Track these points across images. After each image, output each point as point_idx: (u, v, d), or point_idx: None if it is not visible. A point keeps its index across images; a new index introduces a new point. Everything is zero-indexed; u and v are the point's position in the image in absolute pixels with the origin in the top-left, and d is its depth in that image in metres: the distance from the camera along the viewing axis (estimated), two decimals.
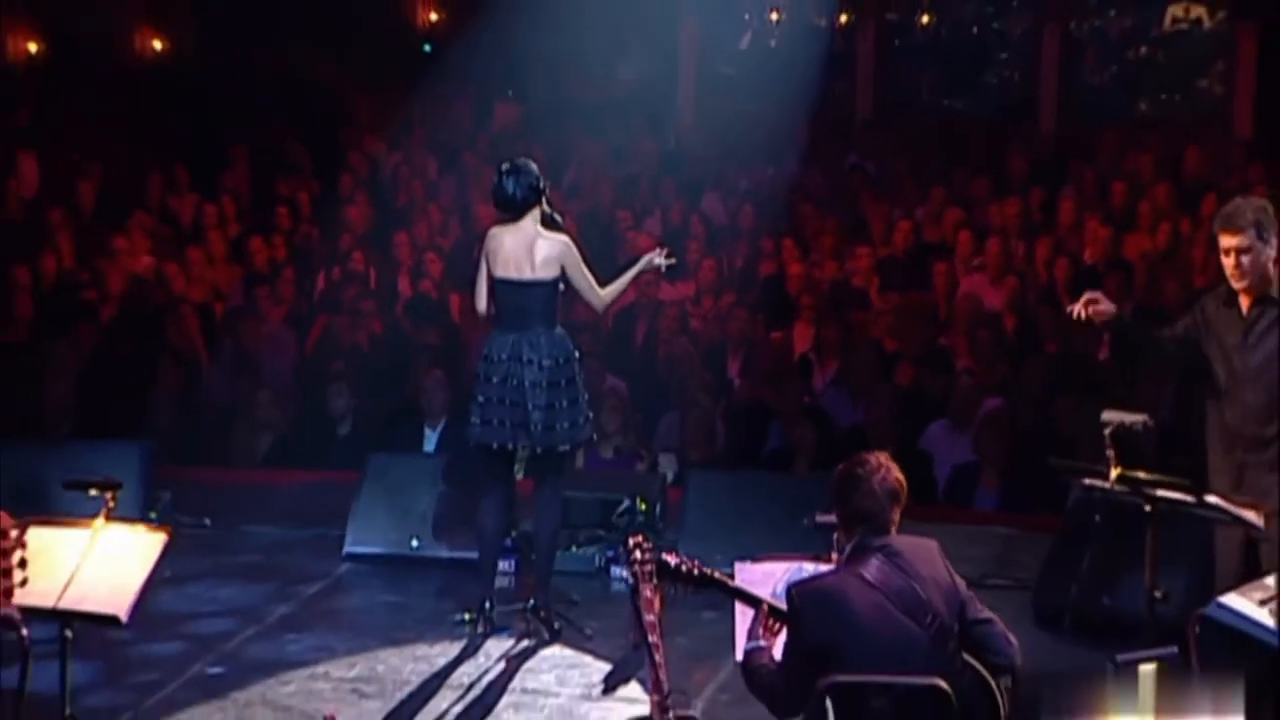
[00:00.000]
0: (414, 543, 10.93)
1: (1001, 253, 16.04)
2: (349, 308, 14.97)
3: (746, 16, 24.04)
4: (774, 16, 23.85)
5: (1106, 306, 8.98)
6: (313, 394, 13.80)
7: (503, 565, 10.12)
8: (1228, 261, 8.67)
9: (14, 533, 6.35)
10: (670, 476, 12.12)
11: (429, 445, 12.63)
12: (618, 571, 10.57)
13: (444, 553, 10.86)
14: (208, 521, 10.05)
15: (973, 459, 11.44)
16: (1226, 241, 8.64)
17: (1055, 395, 12.54)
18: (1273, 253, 8.63)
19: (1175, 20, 24.58)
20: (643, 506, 10.78)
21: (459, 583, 9.72)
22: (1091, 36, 24.86)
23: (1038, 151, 20.85)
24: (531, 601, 9.36)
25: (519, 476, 10.17)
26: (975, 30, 25.94)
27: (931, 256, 16.21)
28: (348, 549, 11.06)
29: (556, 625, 9.22)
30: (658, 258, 10.03)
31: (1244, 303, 8.69)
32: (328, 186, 18.49)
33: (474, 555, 10.02)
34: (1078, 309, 8.97)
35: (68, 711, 7.35)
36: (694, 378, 13.69)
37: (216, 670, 9.13)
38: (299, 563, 11.06)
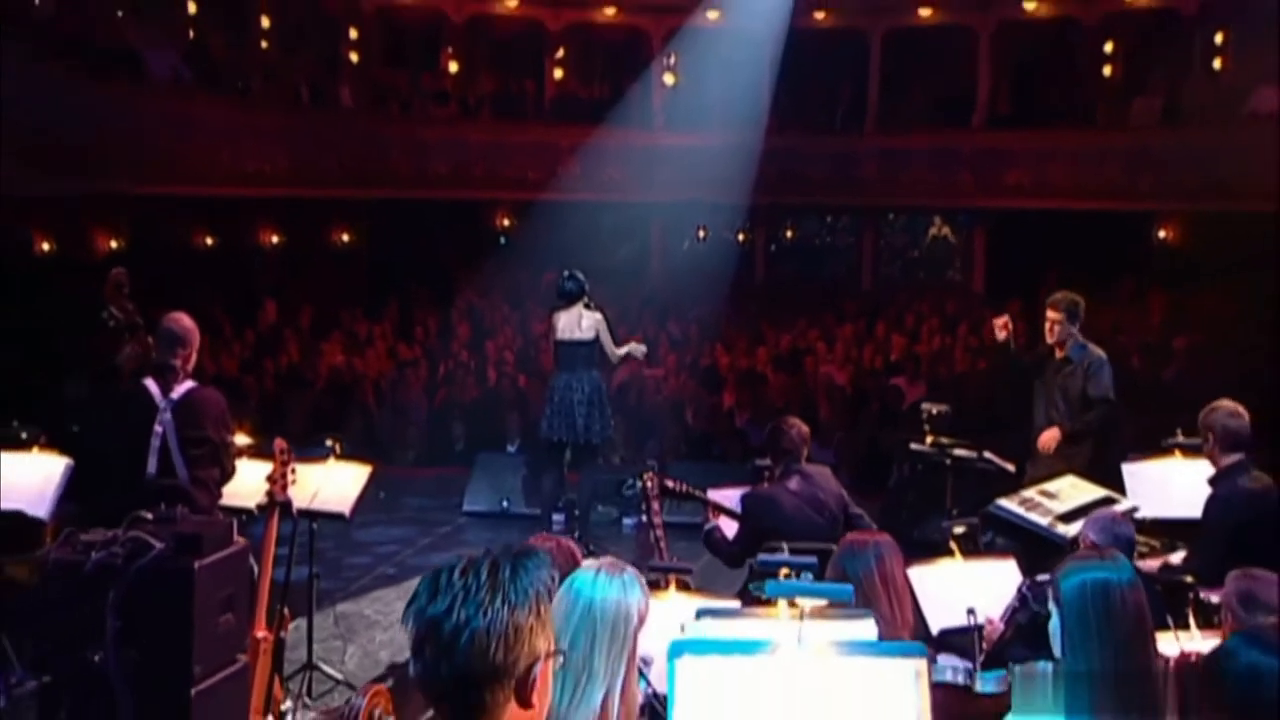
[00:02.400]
0: (504, 504, 11.80)
1: (844, 353, 17.58)
2: (459, 383, 15.99)
3: (692, 229, 24.63)
4: (701, 233, 24.36)
5: (1007, 333, 9.08)
6: (438, 429, 14.89)
7: (556, 519, 10.62)
8: (1048, 328, 8.86)
9: (287, 450, 6.58)
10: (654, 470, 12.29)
11: (510, 449, 13.37)
12: (628, 522, 11.52)
13: (522, 510, 11.63)
14: (382, 495, 10.04)
15: (834, 461, 10.91)
16: (1049, 315, 8.81)
17: (879, 429, 13.59)
18: (1074, 328, 8.75)
19: (934, 236, 27.39)
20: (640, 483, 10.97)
21: (530, 529, 9.68)
22: (888, 243, 27.04)
23: (861, 300, 22.28)
24: (576, 535, 9.44)
25: (567, 464, 10.67)
26: (819, 239, 28.55)
27: (802, 355, 17.51)
28: (465, 508, 11.97)
29: (591, 548, 8.91)
30: (638, 348, 10.98)
31: (1059, 354, 8.78)
32: (445, 317, 18.89)
33: (538, 512, 10.89)
34: (1000, 329, 9.06)
35: (314, 569, 7.58)
36: (666, 419, 14.82)
37: (390, 572, 10.10)
38: (437, 516, 11.97)
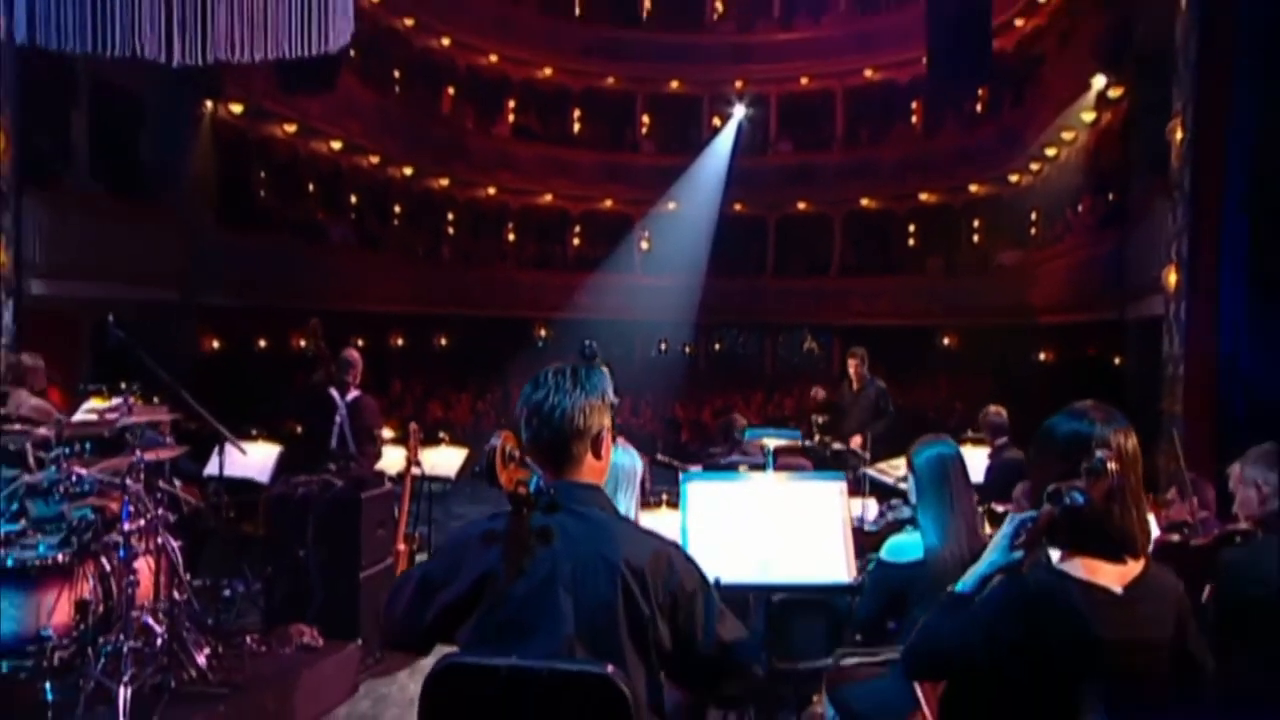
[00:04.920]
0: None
1: (756, 409, 16.90)
2: (510, 426, 15.29)
3: (658, 340, 23.79)
4: (663, 345, 23.76)
5: (824, 394, 9.12)
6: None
7: None
8: (853, 369, 8.68)
9: (418, 431, 6.28)
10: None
11: None
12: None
13: None
14: (477, 468, 8.08)
15: None
16: (852, 362, 8.72)
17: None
18: (865, 369, 8.58)
19: (806, 346, 25.21)
20: None
21: None
22: (780, 347, 24.93)
23: (764, 380, 21.57)
24: None
25: None
26: (738, 345, 25.69)
27: (729, 410, 15.59)
28: None
29: None
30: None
31: (856, 387, 8.60)
32: (504, 389, 17.68)
33: None
34: (820, 391, 9.22)
35: (431, 513, 6.96)
36: (645, 448, 13.81)
37: None
38: (501, 505, 11.62)
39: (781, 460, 5.97)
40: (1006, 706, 2.12)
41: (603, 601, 1.99)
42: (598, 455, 2.18)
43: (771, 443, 4.10)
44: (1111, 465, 2.08)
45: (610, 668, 1.89)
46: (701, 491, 3.00)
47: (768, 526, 2.99)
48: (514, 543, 2.00)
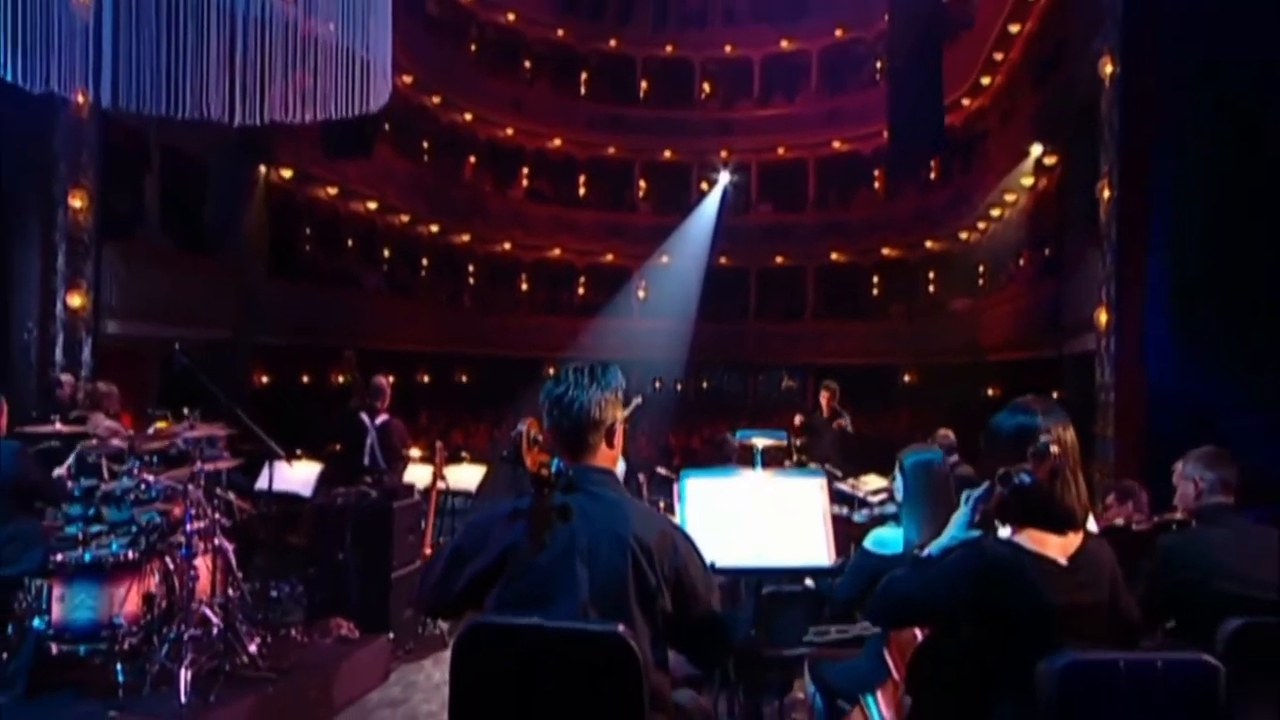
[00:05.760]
0: None
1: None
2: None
3: (653, 379, 22.26)
4: (657, 382, 22.14)
5: (801, 419, 8.69)
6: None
7: None
8: (824, 400, 8.70)
9: (442, 448, 6.23)
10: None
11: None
12: None
13: None
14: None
15: None
16: (824, 395, 8.77)
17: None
18: (835, 402, 8.59)
19: (784, 382, 23.76)
20: None
21: None
22: (761, 385, 24.08)
23: (747, 412, 20.02)
24: None
25: None
26: (723, 382, 24.79)
27: (717, 438, 15.87)
28: None
29: None
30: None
31: (826, 413, 8.61)
32: (517, 418, 17.55)
33: None
34: (798, 418, 8.71)
35: (453, 522, 6.63)
36: (643, 471, 14.46)
37: None
38: None
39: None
40: (965, 667, 2.12)
41: (614, 571, 1.98)
42: (610, 444, 2.17)
43: (760, 442, 4.02)
44: (1054, 449, 2.10)
45: (621, 627, 1.90)
46: (698, 487, 2.99)
47: (757, 517, 2.96)
48: (537, 518, 2.00)
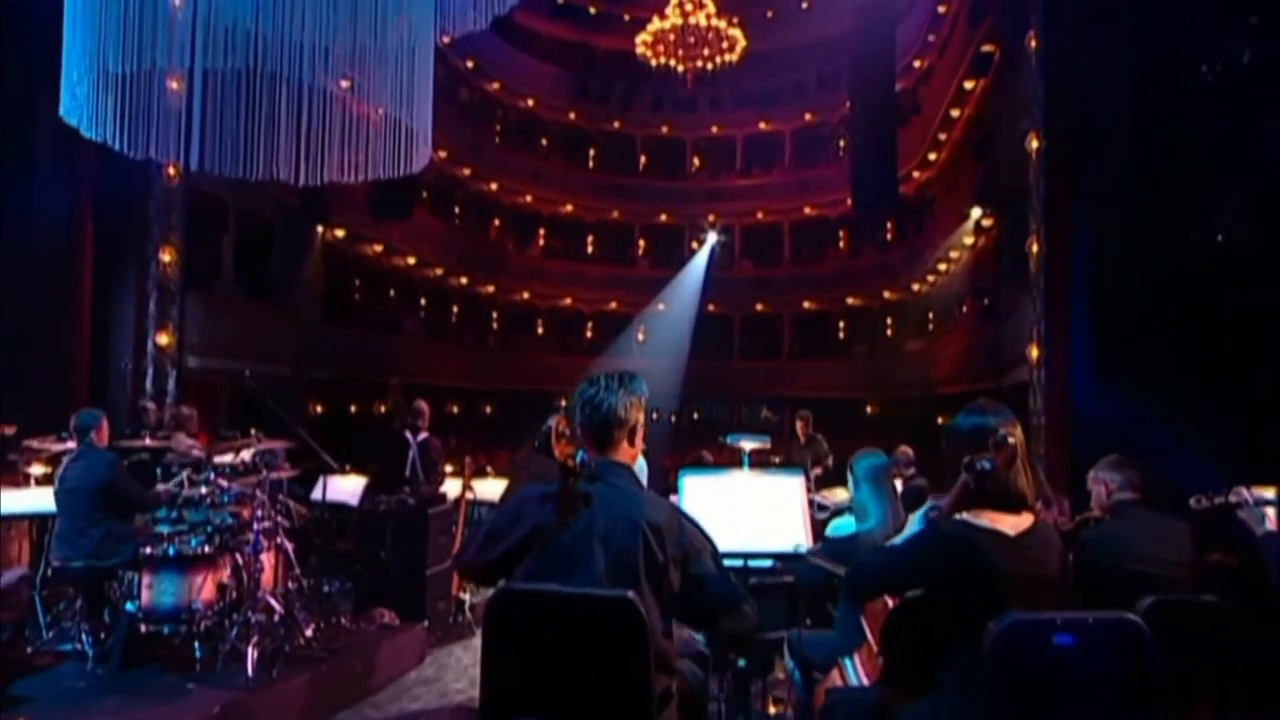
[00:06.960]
0: None
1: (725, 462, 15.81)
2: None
3: (651, 410, 22.98)
4: (655, 414, 19.16)
5: (782, 458, 8.37)
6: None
7: None
8: (800, 427, 8.45)
9: (471, 463, 6.19)
10: None
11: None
12: None
13: None
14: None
15: None
16: (799, 423, 8.52)
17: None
18: (810, 428, 8.33)
19: (764, 415, 22.00)
20: None
21: None
22: (743, 416, 21.57)
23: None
24: None
25: None
26: (711, 414, 23.21)
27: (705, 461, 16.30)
28: None
29: None
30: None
31: (803, 439, 8.34)
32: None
33: None
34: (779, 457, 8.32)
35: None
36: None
37: None
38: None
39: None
40: (930, 628, 2.11)
41: (627, 549, 1.97)
42: (632, 442, 2.13)
43: (747, 445, 4.04)
44: (1011, 440, 2.10)
45: (631, 593, 1.88)
46: (694, 483, 2.97)
47: (746, 509, 2.94)
48: (564, 502, 2.00)
